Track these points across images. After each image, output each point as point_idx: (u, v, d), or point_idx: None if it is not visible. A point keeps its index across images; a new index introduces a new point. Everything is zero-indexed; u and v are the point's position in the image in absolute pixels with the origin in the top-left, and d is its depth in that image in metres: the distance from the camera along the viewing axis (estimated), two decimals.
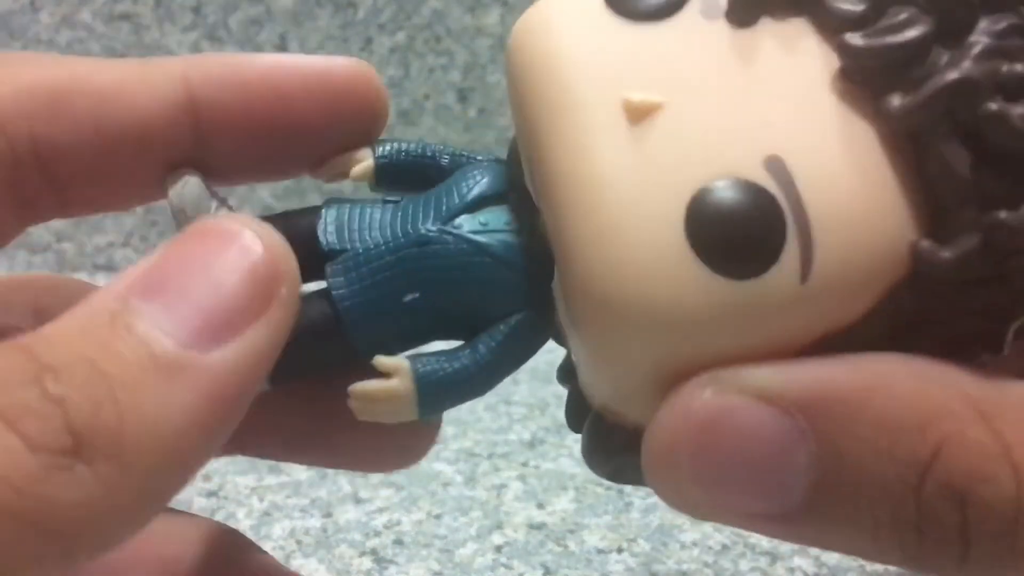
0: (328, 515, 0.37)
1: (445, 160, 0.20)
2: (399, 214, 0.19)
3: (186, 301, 0.14)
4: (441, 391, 0.18)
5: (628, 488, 0.38)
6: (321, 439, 0.20)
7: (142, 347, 0.14)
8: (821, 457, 0.15)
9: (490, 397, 0.43)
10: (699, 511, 0.16)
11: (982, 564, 0.15)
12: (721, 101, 0.16)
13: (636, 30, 0.17)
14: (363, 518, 0.37)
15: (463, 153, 0.20)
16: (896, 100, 0.15)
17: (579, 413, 0.19)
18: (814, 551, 0.34)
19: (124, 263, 0.62)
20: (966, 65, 0.15)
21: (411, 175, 0.20)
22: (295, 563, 0.34)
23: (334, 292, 0.18)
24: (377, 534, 0.36)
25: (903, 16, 0.16)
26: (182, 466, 0.14)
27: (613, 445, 0.18)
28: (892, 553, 0.15)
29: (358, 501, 0.38)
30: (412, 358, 0.18)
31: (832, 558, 0.34)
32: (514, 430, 0.43)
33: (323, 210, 0.19)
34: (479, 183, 0.19)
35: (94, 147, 0.17)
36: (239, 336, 0.15)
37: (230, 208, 0.19)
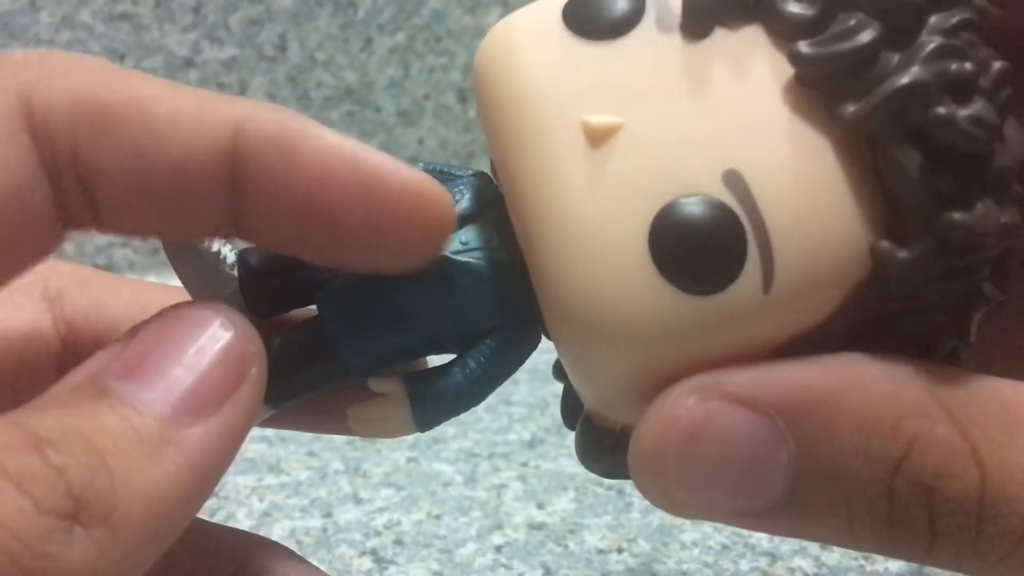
0: (328, 515, 0.37)
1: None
2: None
3: (163, 381, 0.16)
4: (435, 408, 0.19)
5: (628, 488, 0.38)
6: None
7: (126, 423, 0.15)
8: (800, 457, 0.15)
9: (490, 397, 0.43)
10: (684, 511, 0.17)
11: (948, 554, 0.16)
12: (678, 118, 0.16)
13: (593, 49, 0.17)
14: (363, 518, 0.37)
15: (444, 169, 0.20)
16: (849, 106, 0.16)
17: (572, 411, 0.19)
18: (814, 551, 0.34)
19: (124, 263, 0.62)
20: (915, 69, 0.15)
21: None
22: None
23: (325, 316, 0.19)
24: (377, 534, 0.36)
25: (852, 22, 0.16)
26: (165, 532, 0.15)
27: (603, 446, 0.18)
28: (867, 543, 0.16)
29: (358, 501, 0.38)
30: (405, 378, 0.19)
31: (832, 558, 0.34)
32: (514, 430, 0.43)
33: None
34: (458, 203, 0.19)
35: (132, 177, 0.17)
36: (215, 413, 0.16)
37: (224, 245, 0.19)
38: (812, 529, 0.16)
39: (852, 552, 0.34)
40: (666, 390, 0.16)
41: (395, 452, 0.41)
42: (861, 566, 0.33)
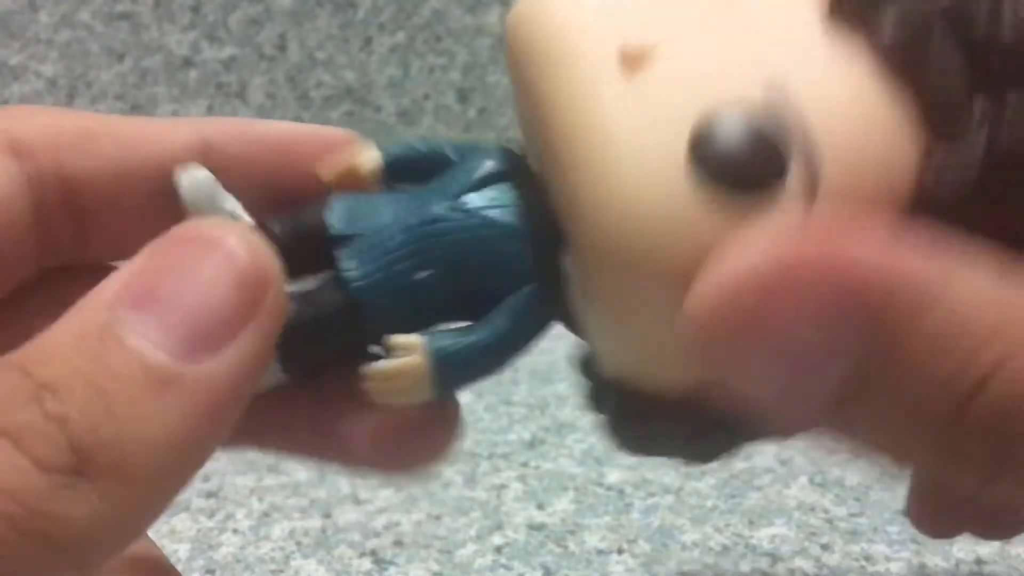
0: (328, 515, 0.37)
1: (452, 152, 0.20)
2: (408, 199, 0.19)
3: (174, 311, 0.15)
4: (456, 364, 0.18)
5: (628, 488, 0.38)
6: (332, 429, 0.20)
7: (134, 360, 0.14)
8: (874, 340, 0.14)
9: (490, 397, 0.43)
10: (726, 372, 0.15)
11: (1008, 487, 0.14)
12: (714, 39, 0.16)
13: None
14: (363, 518, 0.37)
15: (469, 145, 0.20)
16: (887, 17, 0.16)
17: (602, 399, 0.19)
18: (815, 552, 0.34)
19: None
20: None
21: (419, 170, 0.20)
22: (295, 563, 0.34)
23: (346, 275, 0.18)
24: (377, 534, 0.36)
25: None
26: (179, 475, 0.15)
27: (641, 411, 0.18)
28: (915, 457, 0.15)
29: (358, 501, 0.38)
30: (426, 334, 0.18)
31: (833, 559, 0.34)
32: (514, 430, 0.43)
33: (331, 200, 0.19)
34: (485, 163, 0.19)
35: (116, 179, 0.19)
36: (229, 345, 0.15)
37: (237, 200, 0.19)
38: (865, 427, 0.14)
39: (853, 553, 0.34)
40: (758, 226, 0.14)
41: None
42: (862, 567, 0.33)
